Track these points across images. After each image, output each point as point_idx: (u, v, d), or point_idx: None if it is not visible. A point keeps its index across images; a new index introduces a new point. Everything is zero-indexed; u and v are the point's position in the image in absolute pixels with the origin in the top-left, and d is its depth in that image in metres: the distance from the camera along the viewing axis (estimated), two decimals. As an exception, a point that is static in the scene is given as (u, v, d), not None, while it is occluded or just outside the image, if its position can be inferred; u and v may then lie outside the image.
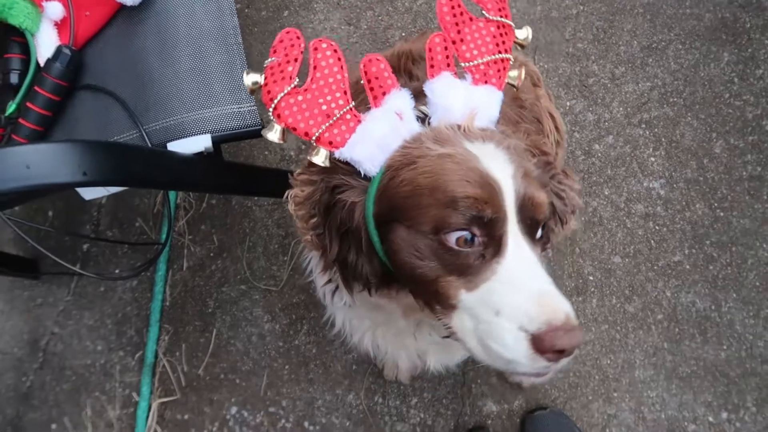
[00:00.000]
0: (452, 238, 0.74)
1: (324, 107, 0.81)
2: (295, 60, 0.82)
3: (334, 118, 0.81)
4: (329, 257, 0.89)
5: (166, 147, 1.07)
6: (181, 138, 1.04)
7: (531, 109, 1.20)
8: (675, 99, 1.65)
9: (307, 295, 1.79)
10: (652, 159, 1.65)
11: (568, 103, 1.71)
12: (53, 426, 1.86)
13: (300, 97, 0.81)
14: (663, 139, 1.64)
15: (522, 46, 0.91)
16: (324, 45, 0.83)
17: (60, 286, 1.97)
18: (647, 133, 1.66)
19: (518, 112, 1.16)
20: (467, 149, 0.77)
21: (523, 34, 0.89)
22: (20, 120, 1.12)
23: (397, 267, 0.82)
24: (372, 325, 1.13)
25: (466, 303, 0.76)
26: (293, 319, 1.79)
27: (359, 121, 0.82)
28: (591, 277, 1.63)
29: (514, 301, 0.71)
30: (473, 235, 0.74)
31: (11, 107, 1.12)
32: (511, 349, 0.71)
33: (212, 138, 1.05)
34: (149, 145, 1.11)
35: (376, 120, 0.82)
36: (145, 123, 1.07)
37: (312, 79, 0.82)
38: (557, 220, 0.89)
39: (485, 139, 0.80)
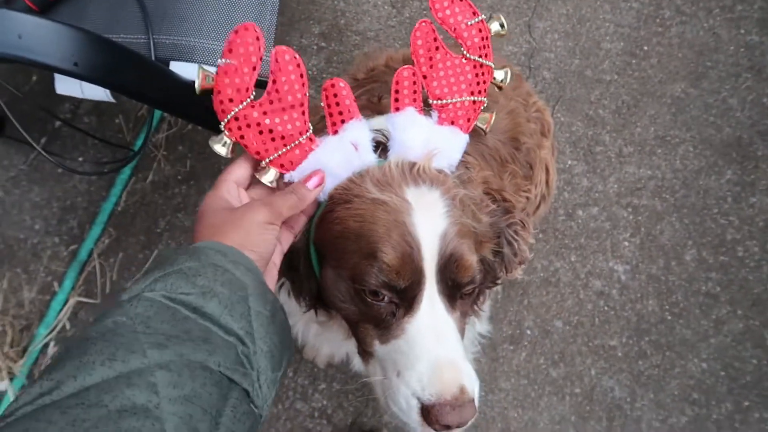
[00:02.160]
0: (366, 292, 0.72)
1: (280, 128, 0.74)
2: (254, 69, 0.73)
3: (291, 146, 0.75)
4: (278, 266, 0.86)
5: (168, 64, 1.00)
6: (186, 61, 0.97)
7: (527, 154, 1.17)
8: (667, 196, 1.65)
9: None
10: (626, 243, 1.64)
11: (569, 162, 1.69)
12: (-37, 286, 1.78)
13: (255, 114, 0.73)
14: (643, 229, 1.64)
15: (499, 88, 0.86)
16: (287, 57, 0.74)
17: (18, 153, 1.88)
18: (631, 217, 1.65)
19: (512, 152, 1.12)
20: (404, 198, 0.72)
21: (501, 75, 0.84)
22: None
23: (327, 302, 0.80)
24: (308, 318, 1.09)
25: (379, 354, 0.74)
26: (236, 269, 1.74)
27: (313, 149, 0.77)
28: (529, 332, 1.62)
29: (413, 365, 0.69)
30: (383, 296, 0.71)
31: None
32: (404, 412, 0.70)
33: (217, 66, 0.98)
34: (153, 56, 1.04)
35: (330, 149, 0.77)
36: (156, 32, 1.00)
37: (270, 94, 0.74)
38: (503, 265, 0.86)
39: (433, 184, 0.75)
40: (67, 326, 1.73)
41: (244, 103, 0.73)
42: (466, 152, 0.86)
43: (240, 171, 0.76)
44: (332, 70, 1.80)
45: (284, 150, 0.75)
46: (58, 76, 1.13)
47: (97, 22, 1.02)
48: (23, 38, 0.74)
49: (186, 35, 0.99)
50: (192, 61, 0.98)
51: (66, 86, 1.11)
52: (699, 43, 1.71)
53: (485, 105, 0.83)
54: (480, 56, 0.80)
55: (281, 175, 0.77)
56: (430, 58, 0.79)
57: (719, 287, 1.59)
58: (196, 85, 0.73)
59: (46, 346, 1.72)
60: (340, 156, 0.76)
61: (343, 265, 0.74)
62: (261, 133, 0.74)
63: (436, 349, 0.69)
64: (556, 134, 1.68)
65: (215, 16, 1.01)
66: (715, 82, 1.69)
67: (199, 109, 0.99)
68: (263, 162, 0.76)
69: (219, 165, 1.80)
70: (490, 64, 0.81)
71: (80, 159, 1.85)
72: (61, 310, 1.75)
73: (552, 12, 1.76)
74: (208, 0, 1.02)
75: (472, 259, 0.73)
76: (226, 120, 0.74)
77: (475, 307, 0.94)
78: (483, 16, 0.82)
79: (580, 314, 1.61)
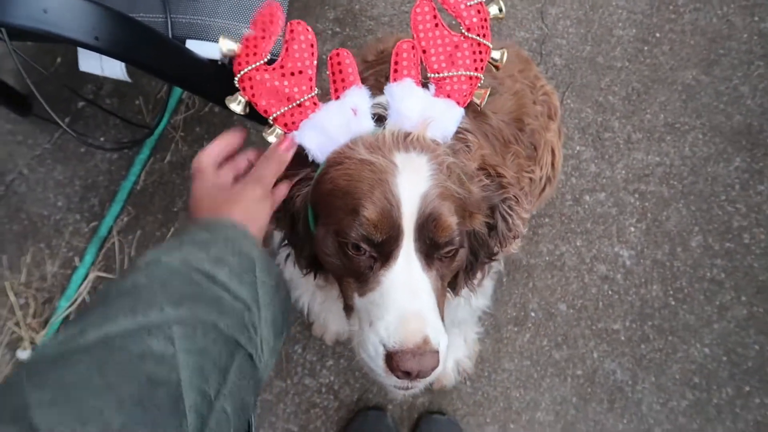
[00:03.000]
0: (348, 245, 0.75)
1: (287, 90, 0.80)
2: (270, 36, 0.80)
3: (295, 104, 0.80)
4: (281, 234, 0.92)
5: (184, 42, 1.03)
6: (202, 39, 1.00)
7: (531, 135, 1.18)
8: (675, 182, 1.64)
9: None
10: (632, 229, 1.64)
11: (577, 148, 1.69)
12: (-10, 259, 1.85)
13: (267, 75, 0.80)
14: (649, 215, 1.64)
15: (496, 68, 0.88)
16: (300, 27, 0.81)
17: (43, 132, 1.93)
18: (637, 203, 1.65)
19: (515, 133, 1.13)
20: (391, 160, 0.75)
21: (497, 55, 0.86)
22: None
23: (319, 259, 0.83)
24: (314, 289, 1.12)
25: (358, 306, 0.78)
26: (249, 247, 1.77)
27: (315, 111, 0.81)
28: (533, 314, 1.63)
29: (383, 315, 0.72)
30: (363, 249, 0.75)
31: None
32: (372, 359, 0.73)
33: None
34: (170, 34, 1.07)
35: (331, 112, 0.81)
36: (174, 11, 1.03)
37: (282, 59, 0.80)
38: (498, 240, 0.88)
39: (423, 150, 0.78)
40: (87, 299, 1.78)
41: (257, 63, 0.79)
42: (467, 130, 0.88)
43: (213, 155, 0.82)
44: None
45: (288, 107, 0.79)
46: (81, 54, 1.17)
47: (117, 1, 1.06)
48: (48, 13, 0.78)
49: (202, 15, 1.02)
50: (207, 40, 1.01)
51: (88, 64, 1.15)
52: (712, 30, 1.69)
53: (482, 82, 0.84)
54: (478, 35, 0.82)
55: (284, 135, 0.81)
56: (430, 34, 0.81)
57: (724, 274, 1.59)
58: (219, 50, 0.80)
59: (66, 318, 1.78)
60: (339, 119, 0.80)
61: (331, 221, 0.78)
62: (269, 92, 0.79)
63: (406, 301, 0.73)
64: (565, 120, 1.68)
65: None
66: (727, 70, 1.67)
67: (212, 85, 1.02)
68: (270, 119, 0.81)
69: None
70: (488, 43, 0.83)
71: (101, 138, 1.90)
72: (81, 284, 1.80)
73: (564, -1, 1.76)
74: None
75: (450, 219, 0.75)
76: (239, 76, 0.80)
77: (473, 282, 0.96)
78: None
79: (584, 298, 1.62)
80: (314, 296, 1.13)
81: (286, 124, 0.81)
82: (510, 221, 0.87)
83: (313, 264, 0.89)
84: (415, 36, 0.82)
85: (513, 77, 1.16)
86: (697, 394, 1.55)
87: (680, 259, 1.60)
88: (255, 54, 0.80)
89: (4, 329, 1.78)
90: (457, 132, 0.87)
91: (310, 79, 0.80)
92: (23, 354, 1.78)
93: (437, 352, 0.72)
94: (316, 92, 0.81)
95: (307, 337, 1.69)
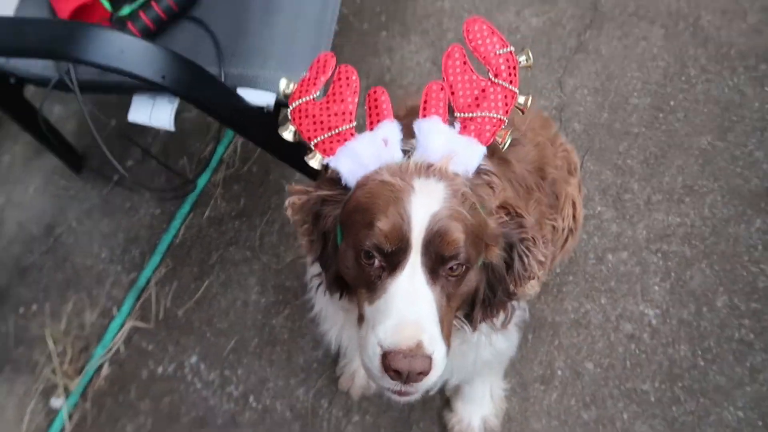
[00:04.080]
0: (362, 255, 0.81)
1: (329, 120, 0.89)
2: (321, 77, 0.92)
3: (334, 132, 0.89)
4: (313, 256, 0.98)
5: (235, 90, 1.12)
6: (251, 87, 1.10)
7: (553, 184, 1.22)
8: (697, 243, 1.65)
9: (300, 283, 1.81)
10: (656, 288, 1.63)
11: (599, 208, 1.72)
12: (33, 306, 1.90)
13: (314, 108, 0.90)
14: (672, 274, 1.63)
15: (522, 111, 0.93)
16: (347, 71, 0.91)
17: (94, 188, 2.04)
18: (660, 263, 1.65)
19: (538, 181, 1.17)
20: (409, 183, 0.82)
21: (522, 100, 0.92)
22: (128, 23, 1.20)
23: (340, 266, 0.89)
24: (343, 321, 1.14)
25: (367, 314, 0.83)
26: (279, 300, 1.80)
27: (352, 139, 0.89)
28: (560, 372, 1.60)
29: (384, 320, 0.77)
30: (374, 257, 0.81)
31: (126, 10, 1.20)
32: (370, 359, 0.78)
33: (278, 98, 1.11)
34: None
35: (364, 141, 0.89)
36: (226, 65, 1.13)
37: (328, 96, 0.91)
38: (514, 278, 0.91)
39: (442, 179, 0.83)
40: (122, 349, 1.81)
41: (308, 98, 0.90)
42: (492, 173, 0.93)
43: None
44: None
45: (328, 135, 0.88)
46: (133, 105, 1.28)
47: (188, 51, 1.18)
48: (125, 53, 0.88)
49: (252, 67, 1.12)
50: (255, 88, 1.11)
51: (137, 115, 1.25)
52: (724, 99, 1.76)
53: (506, 124, 0.89)
54: (505, 81, 0.88)
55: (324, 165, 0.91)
56: (459, 77, 0.88)
57: (753, 334, 1.56)
58: (279, 88, 0.92)
59: (101, 367, 1.80)
60: (371, 148, 0.88)
61: (351, 234, 0.85)
62: (314, 122, 0.89)
63: (406, 308, 0.78)
64: (586, 182, 1.72)
65: (278, 48, 1.14)
66: (741, 136, 1.72)
67: (257, 128, 1.11)
68: (312, 144, 0.90)
69: (269, 204, 1.91)
70: (514, 89, 0.89)
71: (147, 195, 1.99)
72: (117, 332, 1.84)
73: (582, 70, 1.85)
74: (273, 37, 1.16)
75: (457, 236, 0.80)
76: (291, 107, 0.90)
77: (492, 319, 0.97)
78: (512, 48, 0.90)
79: (611, 357, 1.59)
80: (342, 329, 1.15)
81: (324, 150, 0.90)
82: (526, 261, 0.91)
83: (339, 284, 0.94)
84: (444, 78, 0.90)
85: (535, 131, 1.22)
86: (732, 460, 1.48)
87: (706, 318, 1.58)
88: (307, 91, 0.91)
89: (41, 376, 1.81)
90: (483, 173, 0.91)
91: (350, 113, 0.90)
92: (57, 402, 1.79)
93: (429, 357, 0.76)
94: (353, 124, 0.89)
95: (333, 392, 1.68)
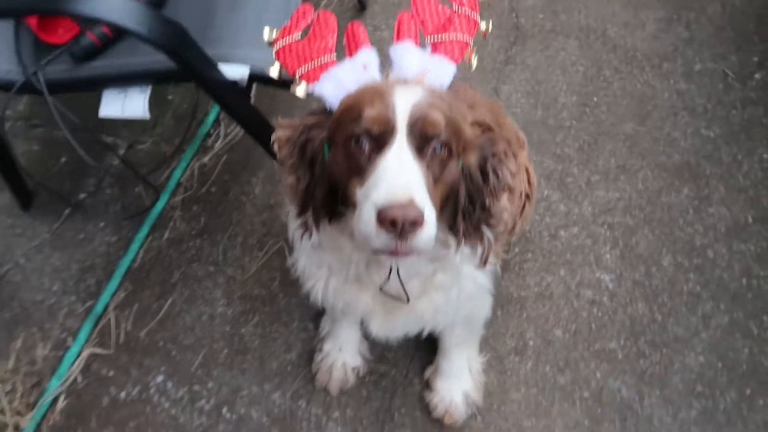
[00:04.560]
0: (352, 144, 0.88)
1: (311, 54, 0.98)
2: (300, 23, 1.02)
3: (316, 63, 0.98)
4: (299, 187, 1.00)
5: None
6: (225, 63, 1.18)
7: (509, 136, 1.33)
8: (636, 212, 1.80)
9: (267, 291, 1.79)
10: (608, 256, 1.75)
11: (546, 192, 1.85)
12: (-23, 345, 1.76)
13: (297, 46, 1.00)
14: (620, 242, 1.76)
15: (484, 36, 1.05)
16: (326, 15, 1.02)
17: (43, 224, 1.97)
18: (608, 233, 1.77)
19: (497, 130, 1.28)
20: (391, 84, 0.91)
21: (484, 26, 1.04)
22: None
23: (330, 177, 0.94)
24: (327, 275, 1.16)
25: (359, 197, 0.87)
26: (247, 309, 1.77)
27: (333, 66, 0.98)
28: (531, 342, 1.65)
29: (377, 188, 0.83)
30: (364, 142, 0.87)
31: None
32: (366, 222, 0.82)
33: (251, 71, 1.19)
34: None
35: (345, 67, 0.98)
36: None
37: (309, 34, 1.00)
38: (490, 193, 0.98)
39: (419, 85, 0.92)
40: (79, 379, 1.70)
41: (291, 40, 0.98)
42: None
43: None
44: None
45: (311, 65, 0.96)
46: (104, 100, 1.31)
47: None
48: (114, 7, 0.95)
49: (223, 47, 1.21)
50: (229, 63, 1.19)
51: (109, 108, 1.29)
52: (638, 93, 1.99)
53: (470, 47, 1.01)
54: (468, 8, 1.00)
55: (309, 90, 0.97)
56: (426, 7, 1.00)
57: (699, 286, 1.68)
58: (266, 38, 1.00)
59: (56, 399, 1.67)
60: (351, 73, 0.96)
61: (341, 136, 0.90)
62: (298, 57, 0.97)
63: (396, 175, 0.84)
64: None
65: (247, 33, 1.25)
66: (658, 121, 1.93)
67: (231, 99, 1.17)
68: (297, 76, 0.97)
69: (230, 219, 1.92)
70: (476, 16, 1.01)
71: (101, 225, 1.95)
72: (74, 362, 1.73)
73: (513, 78, 2.05)
74: (241, 24, 1.26)
75: (438, 117, 0.87)
76: (276, 48, 0.99)
77: (473, 245, 1.03)
78: None
79: (576, 322, 1.66)
80: (327, 283, 1.16)
81: (309, 79, 0.97)
82: (500, 173, 0.98)
83: (327, 208, 0.97)
84: (413, 8, 1.01)
85: (484, 101, 1.34)
86: (703, 403, 1.54)
87: (657, 277, 1.70)
88: (289, 34, 1.00)
89: (-14, 418, 1.65)
90: (461, 92, 1.01)
91: (331, 48, 0.98)
92: (3, 445, 1.63)
93: (422, 212, 0.81)
94: (334, 56, 0.98)
95: (310, 391, 1.63)
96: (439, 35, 1.00)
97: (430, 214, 0.83)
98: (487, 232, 1.07)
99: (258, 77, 1.22)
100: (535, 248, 1.78)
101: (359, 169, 0.88)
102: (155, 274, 1.86)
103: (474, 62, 1.03)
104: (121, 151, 2.06)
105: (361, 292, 1.14)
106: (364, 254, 1.04)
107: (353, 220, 0.88)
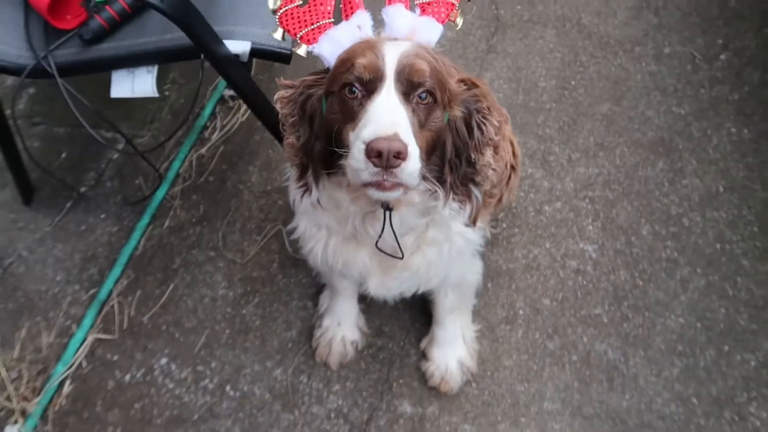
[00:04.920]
0: (346, 92, 0.96)
1: (310, 18, 1.06)
2: None
3: (315, 26, 1.06)
4: (299, 144, 1.07)
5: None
6: (228, 39, 1.25)
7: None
8: (616, 186, 1.88)
9: (267, 273, 1.85)
10: (590, 228, 1.83)
11: (530, 170, 1.94)
12: (-15, 335, 1.80)
13: (298, 11, 1.08)
14: (601, 214, 1.84)
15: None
16: None
17: (45, 217, 2.02)
18: (589, 207, 1.86)
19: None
20: (381, 40, 0.99)
21: None
22: (107, 6, 1.33)
23: (326, 128, 1.01)
24: (326, 235, 1.23)
25: (352, 139, 0.94)
26: (247, 291, 1.83)
27: (330, 28, 1.06)
28: (521, 311, 1.72)
29: (366, 125, 0.91)
30: (356, 88, 0.95)
31: (102, -4, 1.34)
32: (356, 158, 0.90)
33: (252, 46, 1.27)
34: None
35: (341, 28, 1.06)
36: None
37: (309, 3, 1.08)
38: (474, 147, 1.05)
39: (408, 41, 1.00)
40: (84, 364, 1.74)
41: (293, 5, 1.07)
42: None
43: None
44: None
45: (310, 28, 1.04)
46: (113, 81, 1.37)
47: (159, 28, 1.32)
48: None
49: (225, 24, 1.30)
50: (232, 39, 1.27)
51: (120, 89, 1.35)
52: (613, 75, 2.09)
53: (456, 8, 1.09)
54: None
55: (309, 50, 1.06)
56: None
57: (676, 252, 1.77)
58: (270, 6, 1.08)
59: (62, 384, 1.71)
60: (347, 34, 1.04)
61: (335, 85, 0.98)
62: (299, 21, 1.05)
63: (383, 114, 0.92)
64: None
65: (247, 10, 1.33)
66: (632, 101, 2.03)
67: (235, 72, 1.25)
68: (297, 38, 1.05)
69: (229, 206, 1.98)
70: None
71: (102, 216, 2.00)
72: (79, 348, 1.77)
73: (495, 66, 2.14)
74: (242, 2, 1.34)
75: (423, 66, 0.95)
76: (280, 13, 1.07)
77: (461, 201, 1.10)
78: None
79: (563, 291, 1.74)
80: (326, 244, 1.23)
81: (308, 40, 1.06)
82: (484, 128, 1.05)
83: (326, 161, 1.04)
84: None
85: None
86: (684, 361, 1.62)
87: (636, 245, 1.78)
88: (292, 2, 1.09)
89: (-5, 405, 1.68)
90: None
91: (329, 12, 1.07)
92: (12, 429, 1.66)
93: (406, 144, 0.88)
94: (332, 20, 1.06)
95: (311, 366, 1.69)
96: None
97: (413, 149, 0.90)
98: (475, 191, 1.15)
99: (258, 52, 1.30)
100: (521, 223, 1.85)
101: (352, 113, 0.96)
102: (157, 261, 1.91)
103: (459, 22, 1.10)
104: (120, 146, 2.11)
105: (358, 251, 1.21)
106: (360, 207, 1.10)
107: (347, 162, 0.95)
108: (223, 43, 1.24)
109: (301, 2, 1.09)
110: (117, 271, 1.89)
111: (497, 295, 1.75)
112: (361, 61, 0.94)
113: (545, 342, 1.67)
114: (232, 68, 1.25)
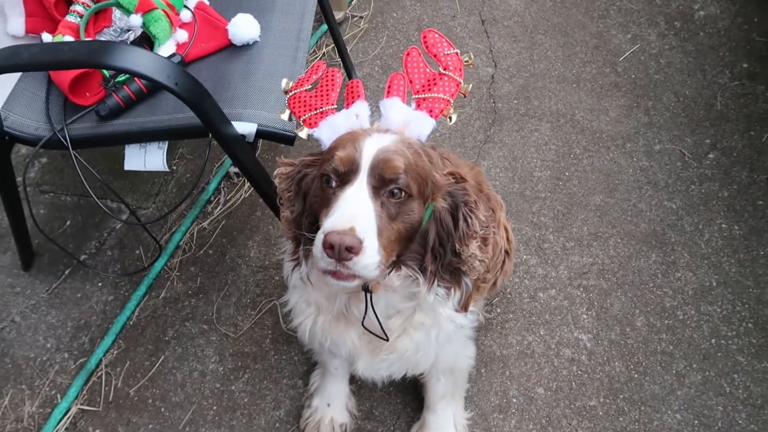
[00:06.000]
0: (323, 181, 1.02)
1: (315, 103, 1.15)
2: (312, 76, 1.20)
3: (318, 111, 1.14)
4: (292, 218, 1.13)
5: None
6: (236, 121, 1.32)
7: (488, 200, 1.44)
8: (610, 276, 1.90)
9: (259, 348, 1.83)
10: (585, 316, 1.82)
11: (524, 257, 1.96)
12: (-31, 397, 1.75)
13: (305, 95, 1.17)
14: (596, 304, 1.84)
15: (464, 95, 1.17)
16: (333, 72, 1.18)
17: (42, 283, 2.03)
18: (584, 295, 1.86)
19: (478, 194, 1.40)
20: (367, 133, 1.04)
21: (465, 87, 1.17)
22: (124, 86, 1.41)
23: (311, 210, 1.07)
24: (315, 312, 1.24)
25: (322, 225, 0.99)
26: (238, 366, 1.80)
27: (331, 114, 1.14)
28: (514, 400, 1.68)
29: (330, 215, 0.96)
30: (332, 178, 1.00)
31: (123, 77, 1.42)
32: (316, 246, 0.95)
33: (258, 128, 1.34)
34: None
35: (341, 115, 1.13)
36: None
37: (316, 89, 1.17)
38: (459, 239, 1.07)
39: (396, 135, 1.05)
40: (65, 437, 1.68)
41: (301, 89, 1.16)
42: (446, 158, 1.15)
43: None
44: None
45: (313, 113, 1.12)
46: (127, 156, 1.43)
47: (170, 109, 1.39)
48: (148, 63, 1.10)
49: (235, 108, 1.36)
50: (239, 120, 1.33)
51: (132, 163, 1.41)
52: (606, 168, 2.16)
53: (451, 105, 1.14)
54: (452, 72, 1.15)
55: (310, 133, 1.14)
56: (415, 69, 1.15)
57: (671, 346, 1.75)
58: (283, 87, 1.19)
59: (39, 458, 1.65)
60: (346, 121, 1.11)
61: (319, 171, 1.04)
62: (305, 105, 1.14)
63: (347, 206, 0.96)
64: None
65: (256, 96, 1.40)
66: (624, 193, 2.09)
67: (240, 153, 1.30)
68: (300, 120, 1.13)
69: (226, 280, 1.98)
70: (459, 78, 1.15)
71: (99, 284, 2.01)
72: (61, 419, 1.72)
73: (492, 155, 2.22)
74: (252, 90, 1.43)
75: (398, 163, 0.98)
76: (289, 95, 1.16)
77: (447, 287, 1.12)
78: (458, 50, 1.18)
79: (557, 380, 1.71)
80: (315, 321, 1.23)
81: (310, 124, 1.13)
82: (470, 221, 1.07)
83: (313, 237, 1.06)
84: (404, 69, 1.15)
85: (467, 164, 1.48)
86: (682, 460, 1.56)
87: (631, 336, 1.77)
88: (301, 85, 1.17)
89: (-34, 477, 1.61)
90: (440, 151, 1.14)
91: (332, 99, 1.15)
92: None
93: (360, 240, 0.92)
94: (334, 106, 1.14)
95: (299, 445, 1.63)
96: (424, 93, 1.14)
97: (370, 244, 0.93)
98: (465, 278, 1.16)
99: (264, 133, 1.37)
100: (516, 309, 1.85)
101: (327, 201, 1.01)
102: (149, 332, 1.89)
103: (453, 117, 1.15)
104: (125, 216, 2.15)
105: (347, 330, 1.21)
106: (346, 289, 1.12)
107: (313, 247, 0.98)
108: (231, 124, 1.31)
109: (309, 87, 1.16)
110: (108, 340, 1.87)
111: (490, 381, 1.72)
112: (339, 154, 1.00)
113: (539, 434, 1.62)
114: (238, 148, 1.31)
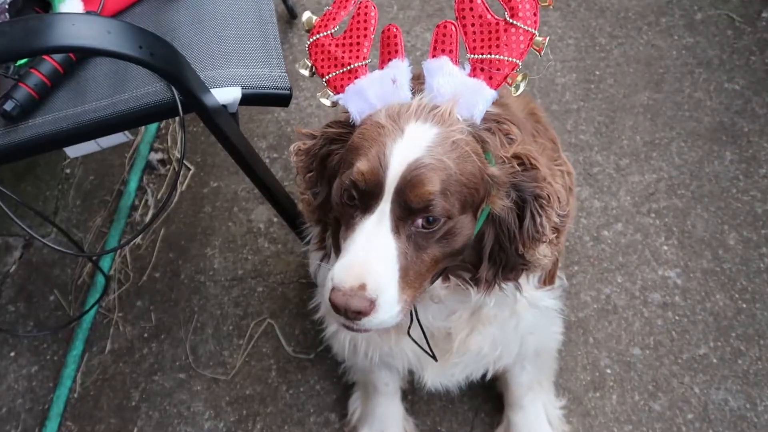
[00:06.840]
0: (345, 197, 1.07)
1: (342, 56, 1.15)
2: (342, 12, 1.19)
3: (346, 69, 1.15)
4: (316, 203, 1.20)
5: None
6: (212, 88, 1.33)
7: (547, 130, 1.53)
8: (683, 191, 2.05)
9: (265, 386, 1.87)
10: (665, 248, 1.98)
11: (574, 189, 2.08)
12: None
13: (330, 43, 1.17)
14: (674, 229, 2.00)
15: (539, 52, 1.13)
16: (367, 7, 1.17)
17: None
18: (657, 222, 2.01)
19: (536, 126, 1.47)
20: (401, 127, 1.05)
21: (540, 40, 1.13)
22: (31, 69, 1.37)
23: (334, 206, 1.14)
24: None
25: (342, 248, 1.08)
26: (243, 416, 1.84)
27: (360, 77, 1.15)
28: (608, 370, 1.82)
29: (342, 256, 1.05)
30: (352, 196, 1.06)
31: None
32: (327, 290, 1.04)
33: (243, 92, 1.35)
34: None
35: (373, 80, 1.14)
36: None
37: (345, 31, 1.17)
38: (523, 240, 1.12)
39: (437, 123, 1.06)
40: None
41: (325, 33, 1.17)
42: (511, 122, 1.18)
43: None
44: (292, 176, 2.15)
45: (340, 71, 1.14)
46: (70, 149, 1.43)
47: (103, 92, 1.38)
48: (112, 34, 1.09)
49: (205, 70, 1.37)
50: (217, 87, 1.35)
51: (80, 149, 1.41)
52: (644, 55, 2.30)
53: (519, 68, 1.12)
54: (522, 22, 1.11)
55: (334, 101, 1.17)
56: (472, 17, 1.12)
57: (777, 259, 1.94)
58: (304, 23, 1.21)
59: None
60: (379, 87, 1.12)
61: (342, 172, 1.09)
62: (329, 58, 1.16)
63: (361, 249, 1.03)
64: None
65: (227, 48, 1.43)
66: (674, 83, 2.24)
67: (223, 125, 1.32)
68: (324, 80, 1.16)
69: (190, 307, 1.99)
70: (531, 29, 1.12)
71: (12, 355, 1.97)
72: None
73: (496, 66, 2.30)
74: (216, 39, 1.45)
75: (429, 188, 1.01)
76: (310, 41, 1.17)
77: (513, 279, 1.19)
78: None
79: (653, 334, 1.86)
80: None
81: (335, 87, 1.15)
82: (539, 221, 1.11)
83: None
84: (458, 17, 1.14)
85: (547, 130, 1.55)
86: (822, 391, 1.76)
87: (727, 260, 1.94)
88: (326, 26, 1.17)
89: None
90: (501, 122, 1.15)
91: (365, 50, 1.15)
92: None
93: (371, 300, 0.99)
94: (366, 62, 1.15)
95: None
96: (482, 54, 1.12)
97: (386, 299, 1.01)
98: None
99: (251, 97, 1.39)
100: (579, 258, 1.98)
101: (348, 220, 1.08)
102: (106, 401, 1.89)
103: (521, 86, 1.12)
104: (17, 253, 2.09)
105: (399, 338, 1.28)
106: None
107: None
108: (211, 93, 1.31)
109: (335, 30, 1.17)
110: (52, 426, 1.85)
111: (574, 355, 1.85)
112: (361, 167, 1.03)
113: (648, 403, 1.77)
114: (225, 123, 1.32)
